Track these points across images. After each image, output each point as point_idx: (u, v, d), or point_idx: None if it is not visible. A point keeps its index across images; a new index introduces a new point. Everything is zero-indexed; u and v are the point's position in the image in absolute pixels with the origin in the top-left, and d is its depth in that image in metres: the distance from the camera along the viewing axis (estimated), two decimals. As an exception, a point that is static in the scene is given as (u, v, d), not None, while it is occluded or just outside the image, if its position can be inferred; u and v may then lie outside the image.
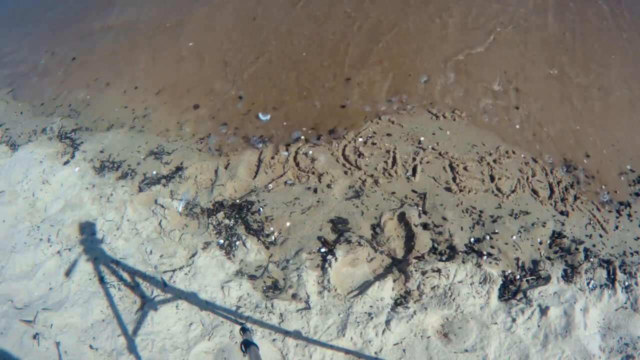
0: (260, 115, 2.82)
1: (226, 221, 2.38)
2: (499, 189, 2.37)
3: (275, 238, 2.28)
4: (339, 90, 3.10)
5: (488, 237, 2.14)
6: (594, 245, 2.12)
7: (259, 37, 3.74)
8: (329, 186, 2.45)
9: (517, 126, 2.72)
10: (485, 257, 2.06)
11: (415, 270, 2.02)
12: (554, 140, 2.63)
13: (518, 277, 2.02)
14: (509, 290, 1.98)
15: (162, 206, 2.51)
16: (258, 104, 3.11)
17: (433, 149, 2.58)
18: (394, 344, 1.85)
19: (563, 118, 2.77)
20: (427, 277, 1.99)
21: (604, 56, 3.26)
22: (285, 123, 2.93)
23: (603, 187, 2.40)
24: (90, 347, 2.01)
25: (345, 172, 2.52)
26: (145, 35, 4.20)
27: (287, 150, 2.69)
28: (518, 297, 1.94)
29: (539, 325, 1.85)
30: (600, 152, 2.57)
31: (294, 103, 3.07)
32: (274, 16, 3.93)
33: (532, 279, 2.01)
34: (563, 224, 2.21)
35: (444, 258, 2.09)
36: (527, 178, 2.41)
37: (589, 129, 2.71)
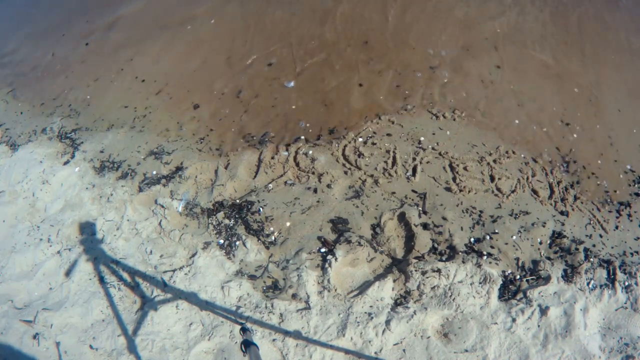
0: (285, 83, 2.93)
1: (226, 221, 2.38)
2: (499, 189, 2.37)
3: (275, 238, 2.28)
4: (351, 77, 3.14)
5: (488, 237, 2.14)
6: (594, 245, 2.12)
7: (268, 31, 3.74)
8: (329, 186, 2.45)
9: (517, 126, 2.72)
10: (485, 257, 2.06)
11: (415, 270, 2.02)
12: (554, 140, 2.63)
13: (518, 277, 2.02)
14: (509, 290, 1.98)
15: (162, 206, 2.51)
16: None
17: (433, 149, 2.58)
18: (394, 344, 1.85)
19: (563, 118, 2.77)
20: (427, 277, 1.99)
21: (604, 55, 3.26)
22: (304, 93, 3.01)
23: (603, 186, 2.40)
24: (90, 347, 2.01)
25: (345, 172, 2.52)
26: (148, 34, 4.19)
27: (287, 150, 2.69)
28: (518, 297, 1.94)
29: (539, 325, 1.85)
30: (600, 152, 2.57)
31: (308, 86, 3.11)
32: (280, 13, 3.93)
33: (532, 279, 2.01)
34: (563, 224, 2.21)
35: (444, 258, 2.09)
36: (527, 178, 2.41)
37: (589, 129, 2.71)
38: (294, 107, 3.01)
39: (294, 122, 2.90)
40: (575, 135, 2.66)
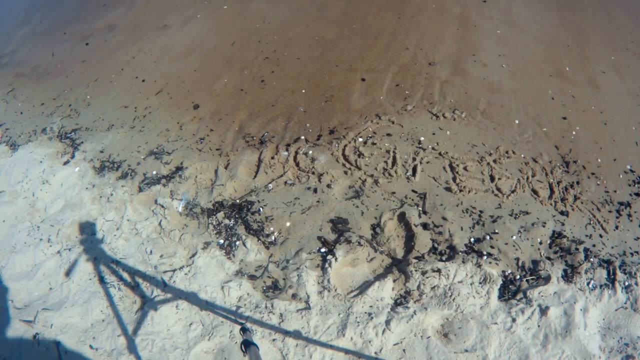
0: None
1: (226, 221, 2.38)
2: (499, 189, 2.36)
3: (275, 238, 2.28)
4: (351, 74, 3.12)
5: (488, 237, 2.14)
6: (594, 245, 2.12)
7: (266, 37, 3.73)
8: (329, 186, 2.45)
9: (517, 126, 2.72)
10: (485, 257, 2.06)
11: (415, 270, 2.01)
12: (554, 140, 2.63)
13: (518, 277, 2.02)
14: (509, 290, 1.98)
15: (162, 206, 2.51)
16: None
17: (433, 149, 2.58)
18: (394, 344, 1.85)
19: (562, 118, 2.77)
20: (427, 277, 1.99)
21: (603, 55, 3.26)
22: (304, 90, 3.00)
23: (603, 186, 2.40)
24: (90, 347, 2.01)
25: (345, 172, 2.52)
26: (148, 34, 4.19)
27: (287, 150, 2.69)
28: (518, 297, 1.94)
29: (539, 325, 1.85)
30: (600, 152, 2.57)
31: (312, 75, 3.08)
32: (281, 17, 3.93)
33: (532, 279, 2.01)
34: (563, 224, 2.21)
35: (444, 258, 2.09)
36: (527, 178, 2.41)
37: (588, 129, 2.71)
38: (294, 106, 3.02)
39: (295, 121, 2.90)
40: (575, 135, 2.66)
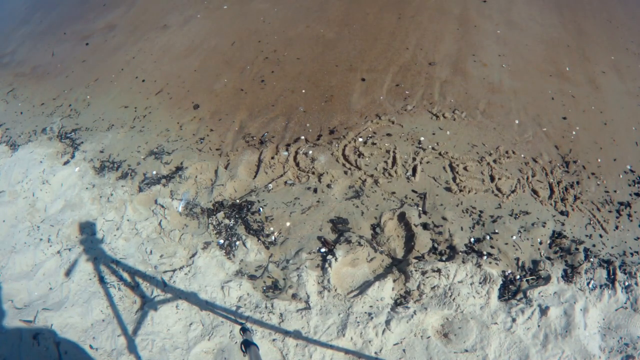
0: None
1: (226, 221, 2.38)
2: (499, 189, 2.36)
3: (275, 238, 2.28)
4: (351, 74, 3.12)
5: (488, 237, 2.14)
6: (594, 245, 2.12)
7: (265, 38, 3.73)
8: (329, 186, 2.45)
9: (517, 126, 2.72)
10: (485, 257, 2.06)
11: (415, 270, 2.02)
12: (554, 140, 2.63)
13: (518, 277, 2.02)
14: (509, 290, 1.98)
15: (162, 206, 2.51)
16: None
17: (433, 149, 2.58)
18: (394, 344, 1.85)
19: (562, 118, 2.77)
20: (427, 277, 1.99)
21: (603, 55, 3.26)
22: (304, 91, 3.00)
23: (603, 186, 2.40)
24: (90, 347, 2.01)
25: (345, 172, 2.52)
26: (148, 34, 4.20)
27: (287, 150, 2.69)
28: (518, 297, 1.94)
29: (539, 325, 1.85)
30: (600, 152, 2.57)
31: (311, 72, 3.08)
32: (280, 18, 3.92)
33: (532, 279, 2.01)
34: (563, 224, 2.21)
35: (444, 258, 2.09)
36: (527, 178, 2.41)
37: (588, 129, 2.71)
38: (294, 106, 3.01)
39: (295, 121, 2.90)
40: (575, 135, 2.66)
